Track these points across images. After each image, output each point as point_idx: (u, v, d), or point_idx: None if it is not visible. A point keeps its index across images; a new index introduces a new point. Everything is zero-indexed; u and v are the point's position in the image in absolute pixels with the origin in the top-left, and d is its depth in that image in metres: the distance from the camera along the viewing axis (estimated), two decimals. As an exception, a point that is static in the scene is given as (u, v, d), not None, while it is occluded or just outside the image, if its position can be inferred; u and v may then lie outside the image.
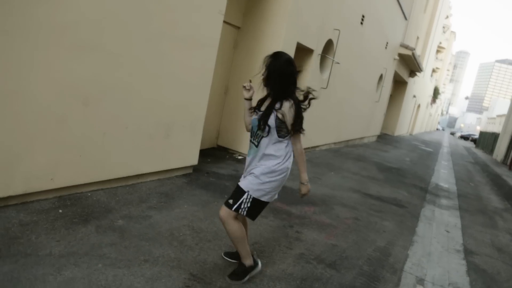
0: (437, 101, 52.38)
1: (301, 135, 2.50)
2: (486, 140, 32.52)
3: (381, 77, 14.19)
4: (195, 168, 5.08)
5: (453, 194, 8.17)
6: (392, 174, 8.87)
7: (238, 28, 6.57)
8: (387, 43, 13.49)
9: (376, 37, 12.08)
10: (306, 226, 4.12)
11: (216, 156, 6.39)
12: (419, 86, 27.41)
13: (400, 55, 16.04)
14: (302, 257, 3.30)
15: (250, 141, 2.54)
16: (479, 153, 28.15)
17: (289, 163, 2.53)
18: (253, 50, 6.49)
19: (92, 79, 3.28)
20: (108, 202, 3.50)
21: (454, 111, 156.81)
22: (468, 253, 4.53)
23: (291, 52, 6.70)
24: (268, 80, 2.42)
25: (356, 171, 8.11)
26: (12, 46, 2.65)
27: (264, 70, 2.40)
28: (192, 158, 4.87)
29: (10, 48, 2.65)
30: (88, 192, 3.58)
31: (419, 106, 31.36)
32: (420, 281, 3.46)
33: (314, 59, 7.83)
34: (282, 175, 2.50)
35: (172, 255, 2.81)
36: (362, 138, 14.02)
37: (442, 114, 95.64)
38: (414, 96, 26.19)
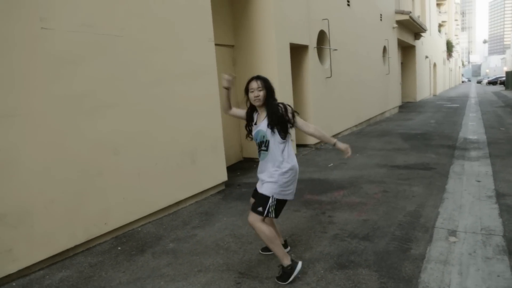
0: (454, 54, 50.93)
1: (300, 119, 2.99)
2: (514, 80, 31.42)
3: (384, 49, 14.25)
4: (226, 183, 5.50)
5: (483, 144, 8.19)
6: (418, 140, 8.98)
7: (232, 46, 7.00)
8: (380, 15, 13.57)
9: (368, 13, 12.23)
10: (337, 209, 4.43)
11: (244, 168, 6.79)
12: (429, 45, 26.96)
13: (398, 22, 16.01)
14: (336, 237, 3.63)
15: (260, 150, 2.96)
16: (510, 94, 27.26)
17: (295, 161, 2.94)
18: (251, 63, 6.89)
19: (116, 131, 3.77)
20: (157, 231, 3.96)
21: (475, 58, 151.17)
22: (500, 196, 4.68)
23: (285, 53, 7.06)
24: (268, 96, 2.92)
25: (380, 147, 8.30)
26: (51, 120, 3.18)
27: (262, 89, 2.90)
28: (221, 175, 5.29)
29: (51, 122, 3.17)
30: (138, 227, 4.06)
31: (434, 64, 30.75)
32: (452, 232, 3.70)
33: (311, 53, 8.15)
34: (294, 172, 2.90)
35: (221, 261, 3.21)
36: (382, 113, 14.09)
37: (463, 65, 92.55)
38: (427, 57, 25.77)
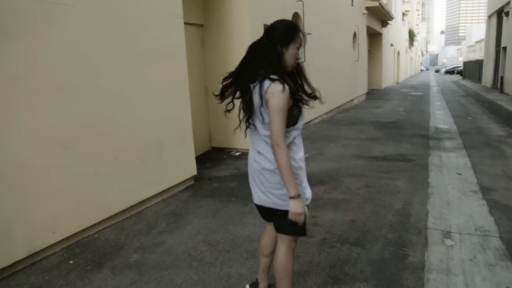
0: (415, 43, 52.11)
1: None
2: (471, 69, 32.56)
3: (354, 35, 13.99)
4: (195, 178, 4.97)
5: (455, 134, 8.12)
6: (390, 129, 8.79)
7: (201, 25, 6.38)
8: (352, 0, 13.25)
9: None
10: (321, 208, 4.04)
11: (214, 159, 6.27)
12: (394, 34, 27.19)
13: (367, 8, 15.80)
14: (324, 243, 3.23)
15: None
16: (468, 84, 28.16)
17: None
18: (222, 45, 6.31)
19: (66, 121, 3.13)
20: (118, 238, 3.39)
21: (433, 48, 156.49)
22: (485, 191, 4.48)
23: (259, 35, 6.53)
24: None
25: (354, 136, 8.02)
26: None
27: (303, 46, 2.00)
28: (190, 169, 4.75)
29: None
30: (94, 234, 3.47)
31: (398, 53, 31.16)
32: (447, 234, 3.41)
33: (285, 36, 7.66)
34: None
35: (195, 277, 2.72)
36: (351, 100, 13.90)
37: (422, 54, 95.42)
38: (392, 45, 25.98)
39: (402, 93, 19.78)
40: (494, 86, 21.40)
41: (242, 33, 6.12)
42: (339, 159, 6.13)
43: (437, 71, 72.11)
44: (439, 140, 7.44)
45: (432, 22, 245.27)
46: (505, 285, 2.64)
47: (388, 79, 25.02)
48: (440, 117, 10.79)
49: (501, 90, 18.53)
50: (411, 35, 42.55)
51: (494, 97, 16.61)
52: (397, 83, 30.52)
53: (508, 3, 17.93)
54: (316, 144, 7.36)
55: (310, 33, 8.78)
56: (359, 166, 5.66)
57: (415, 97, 17.32)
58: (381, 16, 19.08)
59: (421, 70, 77.61)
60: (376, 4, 15.84)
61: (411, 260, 2.95)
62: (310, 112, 9.25)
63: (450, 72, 55.18)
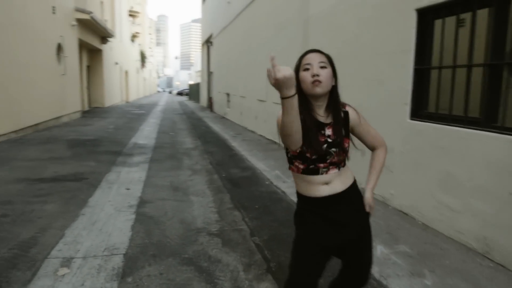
0: (149, 64, 54.23)
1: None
2: (194, 91, 36.27)
3: (60, 47, 12.76)
4: None
5: (149, 149, 8.23)
6: (84, 147, 8.14)
7: None
8: (53, 7, 12.02)
9: (33, 1, 10.47)
10: None
11: None
12: (120, 53, 27.10)
13: (79, 20, 14.85)
14: None
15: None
16: (191, 104, 31.07)
17: None
18: None
19: None
20: None
21: (169, 71, 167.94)
22: (141, 205, 4.41)
23: None
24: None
25: (34, 157, 6.93)
26: None
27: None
28: None
29: None
30: None
31: (126, 72, 31.28)
32: (67, 261, 2.97)
33: None
34: None
35: None
36: (58, 118, 12.51)
37: (159, 76, 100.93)
38: (117, 63, 25.72)
39: (125, 111, 19.64)
40: (208, 106, 24.25)
41: None
42: (-7, 185, 4.98)
43: (170, 92, 77.69)
44: (129, 156, 7.30)
45: (167, 47, 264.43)
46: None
47: (113, 97, 24.48)
48: (146, 133, 10.95)
49: (211, 109, 21.12)
50: (143, 57, 44.00)
51: (204, 114, 18.66)
52: (127, 102, 30.52)
53: (211, 35, 20.67)
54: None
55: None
56: (12, 191, 4.71)
57: (135, 115, 17.44)
58: (97, 31, 18.44)
59: (158, 91, 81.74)
60: (87, 17, 15.08)
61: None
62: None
63: (180, 93, 60.26)
